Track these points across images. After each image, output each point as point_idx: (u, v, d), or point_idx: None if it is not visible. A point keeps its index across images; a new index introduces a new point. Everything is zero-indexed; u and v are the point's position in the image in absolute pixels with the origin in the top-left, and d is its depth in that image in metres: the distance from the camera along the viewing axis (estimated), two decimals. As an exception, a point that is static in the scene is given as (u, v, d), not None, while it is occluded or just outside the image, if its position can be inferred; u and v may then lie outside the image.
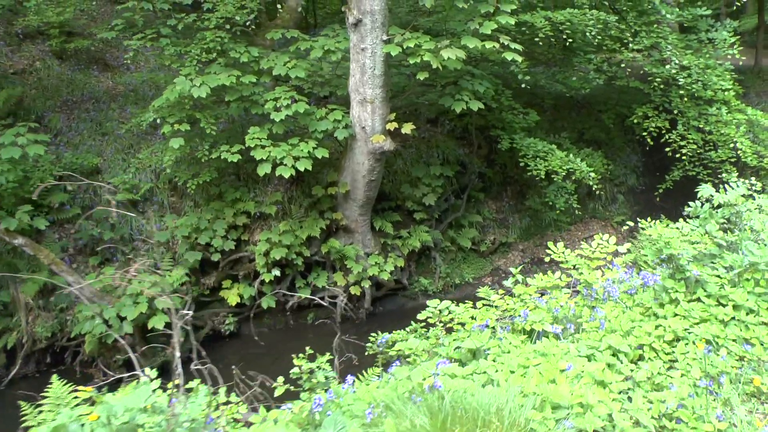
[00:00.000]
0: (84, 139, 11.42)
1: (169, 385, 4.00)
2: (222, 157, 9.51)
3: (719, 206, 5.33)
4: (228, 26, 10.07)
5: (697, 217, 5.16)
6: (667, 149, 12.67)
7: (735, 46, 11.80)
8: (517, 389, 3.29)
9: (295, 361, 4.19)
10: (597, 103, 16.01)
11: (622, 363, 3.79)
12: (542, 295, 5.25)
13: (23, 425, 3.99)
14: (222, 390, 4.83)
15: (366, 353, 5.75)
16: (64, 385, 4.23)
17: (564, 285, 5.23)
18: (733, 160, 12.11)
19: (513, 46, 8.75)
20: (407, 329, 5.50)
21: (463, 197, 12.90)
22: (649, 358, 3.89)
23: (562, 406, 3.11)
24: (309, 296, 7.31)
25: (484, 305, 5.20)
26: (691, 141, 12.36)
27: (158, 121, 9.80)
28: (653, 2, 11.85)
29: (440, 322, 5.04)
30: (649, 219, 5.69)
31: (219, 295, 10.68)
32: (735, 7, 16.93)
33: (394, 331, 5.53)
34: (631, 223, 5.68)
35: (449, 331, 4.99)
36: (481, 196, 13.30)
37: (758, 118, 12.19)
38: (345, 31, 9.65)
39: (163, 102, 9.32)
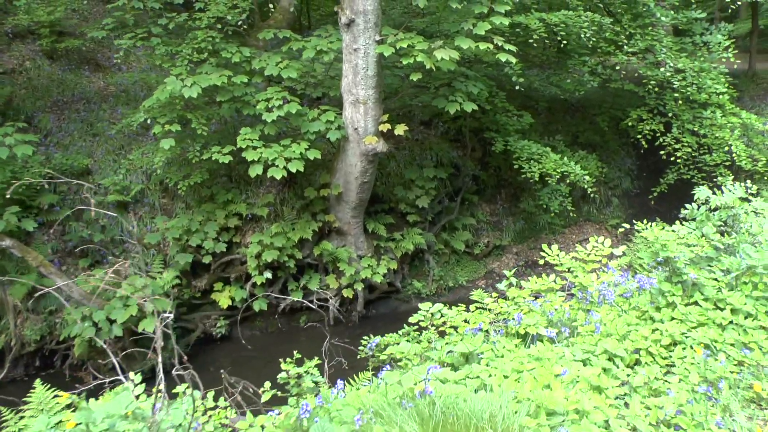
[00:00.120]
0: (74, 139, 11.30)
1: (154, 390, 3.90)
2: (213, 158, 9.41)
3: (716, 209, 5.26)
4: (219, 26, 9.97)
5: (694, 219, 5.08)
6: (662, 152, 12.64)
7: (730, 49, 11.76)
8: (510, 395, 3.20)
9: (283, 366, 4.09)
10: (591, 105, 15.98)
11: (618, 368, 3.70)
12: (536, 298, 5.17)
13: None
14: (210, 394, 4.73)
15: (358, 356, 5.66)
16: (47, 390, 4.12)
17: (558, 288, 5.14)
18: (727, 163, 12.09)
19: (507, 47, 8.67)
20: (400, 332, 5.41)
21: (457, 200, 12.83)
22: (646, 363, 3.80)
23: (558, 413, 3.02)
24: (299, 300, 7.20)
25: (477, 308, 5.12)
26: (686, 144, 12.33)
27: (149, 121, 9.69)
28: (648, 5, 11.81)
29: (432, 325, 4.95)
30: (645, 221, 5.61)
31: (210, 297, 10.57)
32: (729, 11, 16.93)
33: (386, 334, 5.45)
34: (627, 226, 5.60)
35: (442, 334, 4.90)
36: (474, 199, 13.23)
37: (752, 121, 12.17)
38: (338, 31, 9.57)
39: (154, 102, 9.21)
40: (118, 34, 10.79)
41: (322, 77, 10.95)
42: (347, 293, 10.75)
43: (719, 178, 11.79)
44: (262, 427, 3.41)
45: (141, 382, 3.86)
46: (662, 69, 11.83)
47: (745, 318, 4.05)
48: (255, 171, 9.09)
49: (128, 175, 10.81)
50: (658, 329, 4.05)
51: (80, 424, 2.64)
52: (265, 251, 10.13)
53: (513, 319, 4.54)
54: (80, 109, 11.94)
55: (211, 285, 10.62)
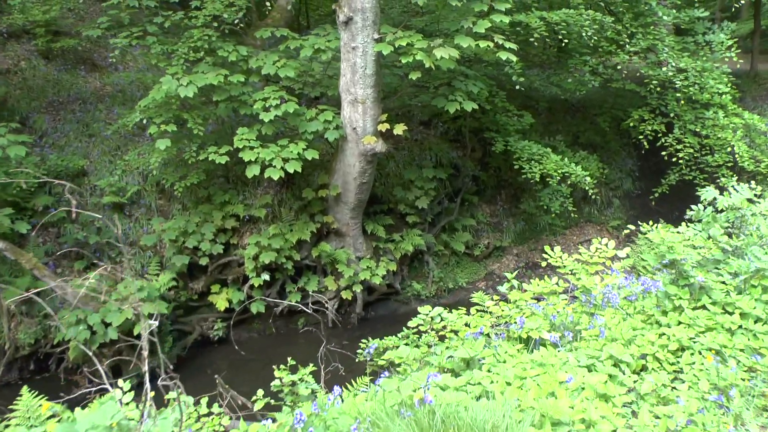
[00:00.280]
0: (70, 140, 11.17)
1: (143, 399, 3.77)
2: (210, 159, 9.30)
3: (722, 210, 5.13)
4: (216, 24, 9.84)
5: (700, 221, 4.95)
6: (664, 153, 12.53)
7: (733, 49, 11.65)
8: (514, 403, 3.07)
9: (276, 373, 3.96)
10: (592, 106, 15.87)
11: (624, 374, 3.57)
12: (538, 300, 5.04)
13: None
14: (204, 401, 4.60)
15: (356, 360, 5.53)
16: (34, 397, 3.99)
17: (561, 291, 5.02)
18: (729, 164, 11.98)
19: (507, 45, 8.56)
20: (399, 335, 5.28)
21: (457, 200, 12.72)
22: (653, 369, 3.67)
23: (563, 423, 2.89)
24: (293, 303, 7.08)
25: (478, 311, 4.99)
26: (688, 145, 12.23)
27: (144, 121, 9.57)
28: (650, 4, 11.70)
29: (432, 329, 4.82)
30: (651, 223, 5.49)
31: (207, 300, 10.46)
32: (733, 10, 16.83)
33: (385, 337, 5.33)
34: (632, 227, 5.47)
35: (442, 338, 4.78)
36: (474, 200, 13.11)
37: (755, 122, 12.06)
38: (336, 30, 9.45)
39: (150, 102, 9.09)
40: (113, 33, 10.67)
41: (320, 76, 10.83)
42: (346, 295, 10.64)
43: (721, 179, 11.68)
44: (256, 436, 3.28)
45: (131, 390, 3.72)
46: (664, 68, 11.71)
47: (755, 322, 3.92)
48: (252, 171, 8.97)
49: (124, 176, 10.69)
50: (665, 334, 3.92)
51: (63, 435, 2.52)
52: (262, 253, 10.01)
53: (515, 322, 4.42)
54: (76, 109, 11.82)
55: (208, 287, 10.51)
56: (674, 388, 3.43)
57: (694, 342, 3.79)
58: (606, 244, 5.26)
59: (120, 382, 3.71)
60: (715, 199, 5.12)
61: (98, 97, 12.23)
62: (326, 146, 10.92)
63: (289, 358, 4.25)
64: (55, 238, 10.14)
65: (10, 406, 3.99)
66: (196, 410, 4.41)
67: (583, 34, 11.13)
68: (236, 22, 10.04)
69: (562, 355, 3.80)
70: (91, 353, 3.20)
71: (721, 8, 24.33)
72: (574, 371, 3.50)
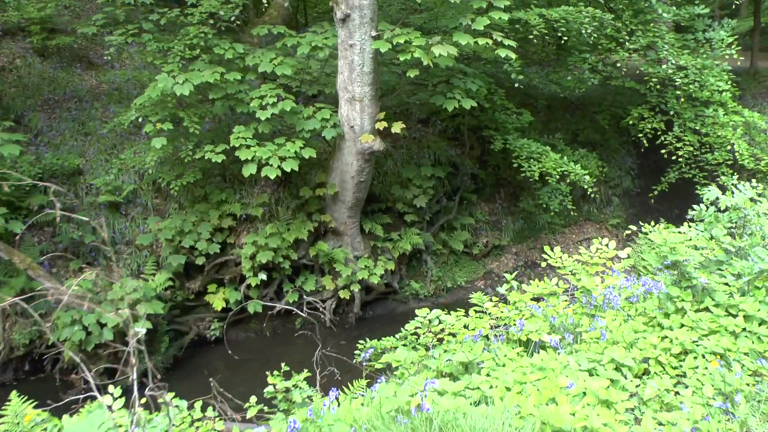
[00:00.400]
0: (65, 139, 11.09)
1: (135, 406, 3.69)
2: (206, 158, 9.21)
3: (724, 210, 5.05)
4: (212, 22, 9.75)
5: (702, 220, 4.87)
6: (663, 151, 12.46)
7: (733, 46, 11.57)
8: (513, 409, 3.00)
9: (270, 379, 3.88)
10: (592, 103, 15.80)
11: (626, 378, 3.50)
12: (538, 300, 4.97)
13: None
14: (198, 404, 4.51)
15: (354, 360, 5.46)
16: (23, 402, 3.91)
17: (561, 292, 4.94)
18: (729, 162, 11.91)
19: (506, 42, 8.48)
20: (397, 336, 5.21)
21: (455, 199, 12.64)
22: (656, 373, 3.60)
23: (564, 431, 2.81)
24: (286, 306, 7.00)
25: (476, 313, 4.91)
26: (687, 143, 12.16)
27: (140, 120, 9.49)
28: (650, 1, 11.62)
29: (430, 331, 4.74)
30: (652, 223, 5.41)
31: (204, 299, 10.39)
32: (733, 7, 16.76)
33: (383, 338, 5.25)
34: (633, 228, 5.39)
35: (441, 341, 4.70)
36: (473, 198, 13.03)
37: (755, 120, 11.99)
38: (333, 27, 9.37)
39: (145, 100, 9.02)
40: (109, 30, 10.58)
41: (317, 74, 10.75)
42: (344, 294, 10.57)
43: (721, 178, 11.61)
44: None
45: (122, 395, 3.64)
46: (664, 66, 11.64)
47: (759, 325, 3.85)
48: (249, 170, 8.90)
49: (120, 175, 10.60)
50: (667, 337, 3.85)
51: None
52: (259, 252, 9.93)
53: (515, 324, 4.34)
54: (72, 107, 11.73)
55: (205, 287, 10.43)
56: (677, 393, 3.36)
57: (697, 345, 3.71)
58: (606, 245, 5.18)
59: (111, 387, 3.63)
60: (717, 198, 5.04)
61: (94, 95, 12.14)
62: (324, 145, 10.84)
63: (282, 364, 4.16)
64: (50, 238, 10.06)
65: (1, 412, 3.92)
66: (189, 414, 4.33)
67: (583, 31, 11.06)
68: (233, 19, 9.95)
69: (562, 358, 3.72)
70: (78, 359, 3.11)
71: (720, 5, 24.28)
72: (575, 375, 3.42)
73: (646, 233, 5.33)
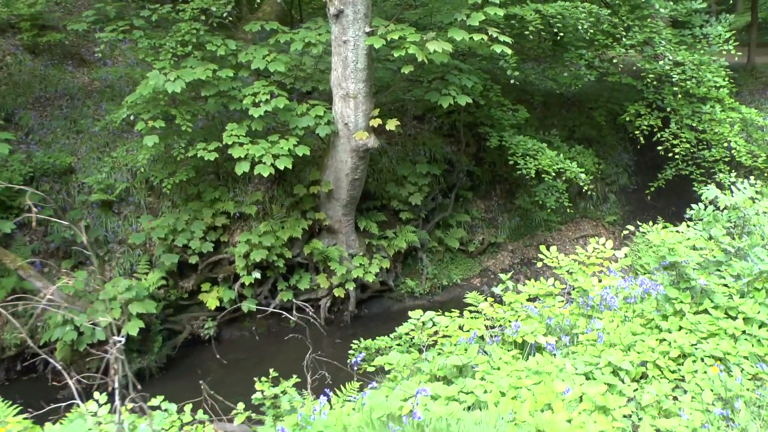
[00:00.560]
0: (57, 137, 10.97)
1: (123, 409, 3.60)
2: (198, 156, 9.12)
3: (724, 208, 4.97)
4: (204, 18, 9.64)
5: (700, 220, 4.79)
6: (660, 148, 12.39)
7: (731, 41, 11.49)
8: (508, 416, 2.91)
9: (257, 386, 3.79)
10: (588, 100, 15.72)
11: (623, 382, 3.42)
12: (534, 300, 4.88)
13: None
14: (188, 407, 4.42)
15: (348, 360, 5.37)
16: (9, 407, 3.82)
17: (557, 292, 4.86)
18: (726, 159, 11.84)
19: (502, 38, 8.38)
20: (391, 336, 5.12)
21: (451, 196, 12.55)
22: (654, 377, 3.51)
23: (560, 439, 2.73)
24: (275, 310, 6.91)
25: (471, 313, 4.82)
26: (684, 140, 12.09)
27: (132, 117, 9.39)
28: (647, -5, 11.55)
29: (423, 333, 4.66)
30: (650, 223, 5.32)
31: (198, 298, 10.31)
32: (730, 2, 16.69)
33: (377, 337, 5.17)
34: (631, 227, 5.31)
35: (435, 343, 4.61)
36: (469, 195, 12.95)
37: (752, 116, 11.92)
38: (327, 23, 9.27)
39: (137, 97, 8.92)
40: (100, 27, 10.46)
41: (311, 71, 10.66)
42: (339, 293, 10.50)
43: (719, 175, 11.55)
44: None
45: (107, 402, 3.55)
46: (661, 62, 11.55)
47: (759, 327, 3.77)
48: (241, 168, 8.81)
49: (112, 174, 10.49)
50: (665, 339, 3.76)
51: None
52: (253, 250, 9.85)
53: (510, 326, 4.26)
54: (63, 105, 11.60)
55: (199, 285, 10.36)
56: (676, 398, 3.28)
57: (696, 348, 3.63)
58: (603, 244, 5.09)
59: (96, 394, 3.54)
60: (716, 197, 4.96)
61: (86, 93, 12.01)
62: (318, 142, 10.74)
63: (271, 370, 4.06)
64: (42, 237, 9.96)
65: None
66: (179, 418, 4.24)
67: (579, 27, 10.97)
68: (225, 15, 9.84)
69: (558, 361, 3.64)
70: (59, 366, 3.03)
71: (717, 1, 24.19)
72: (572, 380, 3.34)
73: (644, 233, 5.24)
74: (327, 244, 10.56)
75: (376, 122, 9.20)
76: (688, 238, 4.66)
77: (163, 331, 9.88)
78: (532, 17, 10.60)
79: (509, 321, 4.47)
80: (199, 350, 10.14)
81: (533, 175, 11.40)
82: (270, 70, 9.10)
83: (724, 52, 11.66)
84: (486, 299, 4.88)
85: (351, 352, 5.26)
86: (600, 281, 4.83)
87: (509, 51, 8.68)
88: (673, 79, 11.44)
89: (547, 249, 5.30)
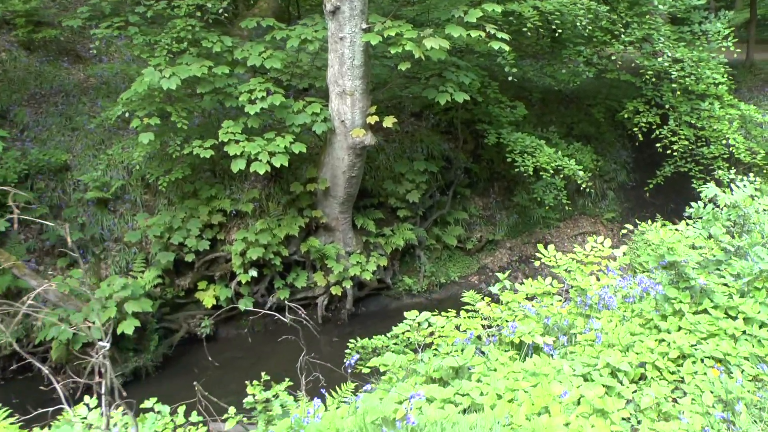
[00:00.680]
0: (52, 134, 10.89)
1: (113, 414, 3.55)
2: (194, 153, 9.06)
3: (724, 207, 4.91)
4: (199, 14, 9.56)
5: (700, 218, 4.74)
6: (658, 145, 12.34)
7: (730, 38, 11.43)
8: (504, 419, 2.86)
9: (249, 389, 3.73)
10: (586, 97, 15.66)
11: (622, 384, 3.36)
12: (532, 299, 4.83)
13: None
14: (181, 409, 4.37)
15: (344, 359, 5.32)
16: (-2, 409, 3.77)
17: (555, 291, 4.81)
18: (725, 156, 11.79)
19: (500, 35, 8.33)
20: (388, 335, 5.07)
21: (449, 193, 12.50)
22: (652, 378, 3.46)
23: (557, 444, 2.68)
24: (268, 311, 6.87)
25: (468, 313, 4.76)
26: (683, 137, 12.04)
27: (127, 114, 9.32)
28: (646, -8, 11.49)
29: (419, 333, 4.60)
30: (649, 222, 5.27)
31: (194, 296, 10.26)
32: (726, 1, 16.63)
33: (374, 336, 5.11)
34: (630, 226, 5.25)
35: (431, 344, 4.56)
36: (467, 193, 12.90)
37: (751, 113, 11.87)
38: (324, 20, 9.20)
39: (132, 94, 8.85)
40: (95, 23, 10.38)
41: (308, 68, 10.59)
42: (336, 291, 10.46)
43: (718, 171, 11.51)
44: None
45: (97, 406, 3.49)
46: (660, 59, 11.50)
47: (760, 327, 3.71)
48: (237, 166, 8.76)
49: (108, 171, 10.42)
50: (664, 340, 3.71)
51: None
52: (250, 248, 9.80)
53: (507, 327, 4.20)
54: (59, 102, 11.52)
55: (195, 284, 10.31)
56: (675, 400, 3.22)
57: (696, 349, 3.58)
58: (602, 243, 5.04)
59: (86, 397, 3.49)
60: (716, 195, 4.90)
61: (82, 90, 11.93)
62: (314, 139, 10.68)
63: (263, 373, 4.01)
64: (38, 235, 9.90)
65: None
66: (172, 420, 4.19)
67: (578, 23, 10.92)
68: (221, 11, 9.77)
69: (556, 362, 3.59)
70: (47, 370, 2.98)
71: (715, -3, 24.11)
72: (569, 381, 3.29)
73: (642, 231, 5.19)
74: (324, 242, 10.51)
75: (373, 119, 9.14)
76: (687, 237, 4.61)
77: (160, 330, 9.84)
78: (530, 14, 10.53)
79: (506, 321, 4.42)
80: (195, 349, 10.07)
81: (531, 173, 11.36)
82: (266, 66, 9.03)
83: (723, 49, 11.62)
84: (483, 298, 4.83)
85: (347, 351, 5.21)
86: (598, 279, 4.79)
87: (507, 48, 8.64)
88: (672, 76, 11.39)
89: (545, 247, 5.25)
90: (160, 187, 9.91)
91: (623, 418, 3.01)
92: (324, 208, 10.38)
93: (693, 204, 4.82)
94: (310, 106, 9.21)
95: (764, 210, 4.78)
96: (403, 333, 4.86)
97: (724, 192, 4.95)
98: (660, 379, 3.45)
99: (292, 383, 4.12)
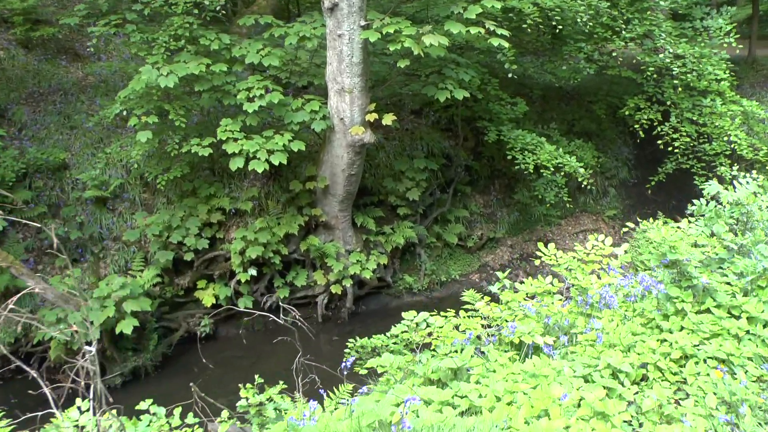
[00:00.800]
0: (51, 132, 10.84)
1: (106, 416, 3.49)
2: (192, 151, 9.00)
3: (725, 205, 4.84)
4: (197, 11, 9.50)
5: (702, 216, 4.67)
6: (660, 142, 12.27)
7: (731, 34, 11.36)
8: (503, 423, 2.80)
9: (242, 393, 3.68)
10: (587, 93, 15.59)
11: (623, 385, 3.30)
12: (532, 298, 4.77)
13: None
14: (177, 411, 4.31)
15: (344, 358, 5.27)
16: None
17: (556, 291, 4.74)
18: (727, 153, 11.72)
19: (499, 31, 8.26)
20: (387, 335, 5.01)
21: (449, 191, 12.44)
22: (654, 379, 3.40)
23: (557, 448, 2.62)
24: (262, 312, 6.82)
25: (467, 312, 4.70)
26: (684, 134, 11.97)
27: (125, 113, 9.27)
28: (647, -12, 11.42)
29: (417, 333, 4.55)
30: (651, 219, 5.20)
31: (194, 295, 10.22)
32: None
33: (375, 335, 5.06)
34: (631, 225, 5.19)
35: (430, 344, 4.50)
36: (467, 190, 12.84)
37: (753, 109, 11.80)
38: (323, 17, 9.14)
39: (129, 93, 8.81)
40: (93, 21, 10.33)
41: (307, 65, 10.53)
42: (336, 289, 10.41)
43: (720, 168, 11.44)
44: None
45: (88, 410, 3.44)
46: (661, 55, 11.43)
47: (764, 327, 3.65)
48: (236, 164, 8.73)
49: (107, 170, 10.38)
50: (666, 340, 3.65)
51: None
52: (249, 247, 9.76)
53: (506, 327, 4.14)
54: (57, 100, 11.46)
55: (195, 283, 10.27)
56: (678, 402, 3.16)
57: (699, 350, 3.52)
58: (603, 241, 4.97)
59: (78, 401, 3.43)
60: (718, 193, 4.83)
61: (80, 88, 11.87)
62: (314, 137, 10.62)
63: (256, 376, 3.95)
64: (36, 234, 9.84)
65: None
66: (167, 422, 4.13)
67: (578, 20, 10.85)
68: (218, 9, 9.70)
69: (556, 363, 3.53)
70: (37, 375, 2.92)
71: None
72: (570, 383, 3.23)
73: (644, 230, 5.12)
74: (324, 241, 10.46)
75: (372, 117, 9.09)
76: (689, 235, 4.55)
77: (159, 329, 9.80)
78: (530, 10, 10.47)
79: (506, 321, 4.36)
80: (195, 348, 10.03)
81: (531, 170, 11.30)
82: (264, 64, 8.98)
83: (725, 45, 11.54)
84: (482, 297, 4.77)
85: (346, 351, 5.16)
86: (599, 278, 4.72)
87: (507, 44, 8.58)
88: (674, 72, 11.33)
89: (546, 245, 5.18)
90: (159, 185, 9.86)
91: (624, 421, 2.95)
92: (323, 207, 10.33)
93: (695, 201, 4.76)
94: (309, 104, 9.15)
95: (767, 207, 4.72)
96: (401, 333, 4.80)
97: (726, 189, 4.88)
98: (662, 381, 3.39)
99: (286, 386, 4.06)
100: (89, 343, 2.97)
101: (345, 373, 3.88)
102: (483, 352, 4.09)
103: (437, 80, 9.86)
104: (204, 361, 8.04)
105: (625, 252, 5.04)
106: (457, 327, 4.50)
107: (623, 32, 11.64)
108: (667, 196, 14.09)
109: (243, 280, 9.97)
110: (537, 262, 5.18)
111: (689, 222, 4.76)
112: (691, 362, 3.44)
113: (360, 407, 2.85)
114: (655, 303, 4.10)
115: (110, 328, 8.86)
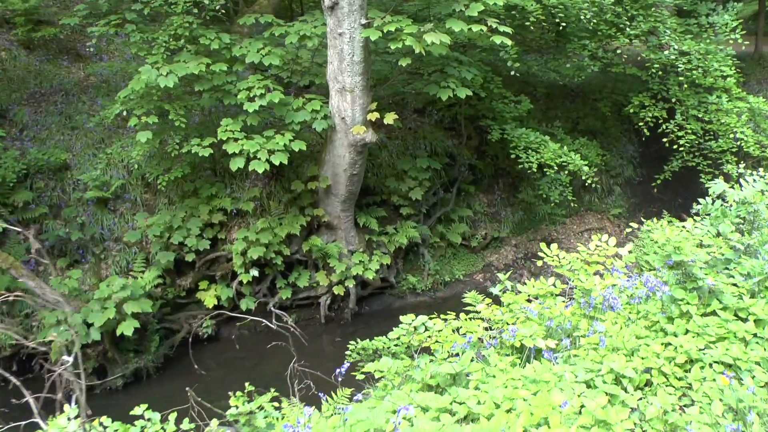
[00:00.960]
0: (52, 133, 10.82)
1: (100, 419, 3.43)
2: (193, 152, 8.94)
3: (731, 204, 4.74)
4: (197, 11, 9.44)
5: (708, 215, 4.57)
6: (665, 140, 12.16)
7: (737, 30, 11.23)
8: None
9: (231, 401, 3.60)
10: (592, 91, 15.48)
11: (626, 391, 3.21)
12: (536, 298, 4.68)
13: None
14: (172, 416, 4.24)
15: (346, 360, 5.20)
16: None
17: (558, 293, 4.65)
18: (734, 150, 11.60)
19: (502, 29, 8.18)
20: (389, 336, 4.94)
21: (453, 191, 12.35)
22: (659, 385, 3.30)
23: (556, 459, 2.54)
24: (256, 318, 6.75)
25: (467, 315, 4.61)
26: (690, 131, 11.86)
27: (125, 113, 9.22)
28: (651, -17, 11.32)
29: (416, 337, 4.47)
30: (655, 219, 5.10)
31: (195, 296, 10.17)
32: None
33: (377, 336, 4.98)
34: (635, 225, 5.09)
35: (428, 348, 4.42)
36: (471, 189, 12.74)
37: (760, 106, 11.68)
38: (324, 16, 9.07)
39: (129, 93, 8.76)
40: (94, 21, 10.28)
41: (308, 64, 10.46)
42: (338, 290, 10.36)
43: (726, 166, 11.32)
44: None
45: (77, 416, 3.36)
46: (666, 52, 11.32)
47: (772, 330, 3.55)
48: (236, 164, 8.67)
49: (108, 170, 10.34)
50: (671, 344, 3.55)
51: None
52: (251, 248, 9.70)
53: (507, 330, 4.05)
54: (58, 101, 11.43)
55: (196, 284, 10.23)
56: (683, 409, 3.07)
57: (704, 354, 3.42)
58: (606, 241, 4.87)
59: (66, 407, 3.37)
60: (724, 191, 4.73)
61: (81, 88, 11.84)
62: (316, 137, 10.56)
63: (246, 383, 3.87)
64: (37, 235, 9.80)
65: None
66: (162, 428, 4.05)
67: (582, 17, 10.75)
68: (218, 8, 9.64)
69: (557, 368, 3.43)
70: (18, 383, 2.86)
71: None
72: (571, 389, 3.14)
73: (649, 229, 5.03)
74: (326, 241, 10.39)
75: (373, 116, 9.02)
76: (695, 235, 4.45)
77: (160, 331, 9.76)
78: (533, 7, 10.38)
79: (507, 323, 4.27)
80: (197, 349, 9.97)
81: (535, 169, 11.20)
82: (265, 63, 8.92)
83: (731, 41, 11.42)
84: (484, 300, 4.69)
85: (348, 353, 5.09)
86: (602, 278, 4.63)
87: (509, 42, 8.50)
88: (679, 69, 11.23)
89: (550, 245, 5.09)
90: (160, 186, 9.82)
91: (627, 429, 2.86)
92: (326, 207, 10.26)
93: (701, 200, 4.66)
94: (310, 104, 9.09)
95: (774, 206, 4.62)
96: (398, 338, 4.73)
97: (732, 187, 4.78)
98: (666, 386, 3.29)
99: (278, 393, 3.98)
100: (70, 353, 2.90)
101: (339, 379, 3.80)
102: (484, 356, 4.01)
103: (440, 79, 9.78)
104: (196, 367, 7.97)
105: (630, 252, 4.95)
106: (457, 330, 4.42)
107: (628, 29, 11.53)
108: (673, 194, 13.98)
109: (245, 281, 9.93)
110: (540, 263, 5.10)
111: (694, 221, 4.66)
112: (696, 367, 3.34)
113: (353, 416, 2.77)
114: (660, 305, 4.00)
115: (111, 330, 8.82)
